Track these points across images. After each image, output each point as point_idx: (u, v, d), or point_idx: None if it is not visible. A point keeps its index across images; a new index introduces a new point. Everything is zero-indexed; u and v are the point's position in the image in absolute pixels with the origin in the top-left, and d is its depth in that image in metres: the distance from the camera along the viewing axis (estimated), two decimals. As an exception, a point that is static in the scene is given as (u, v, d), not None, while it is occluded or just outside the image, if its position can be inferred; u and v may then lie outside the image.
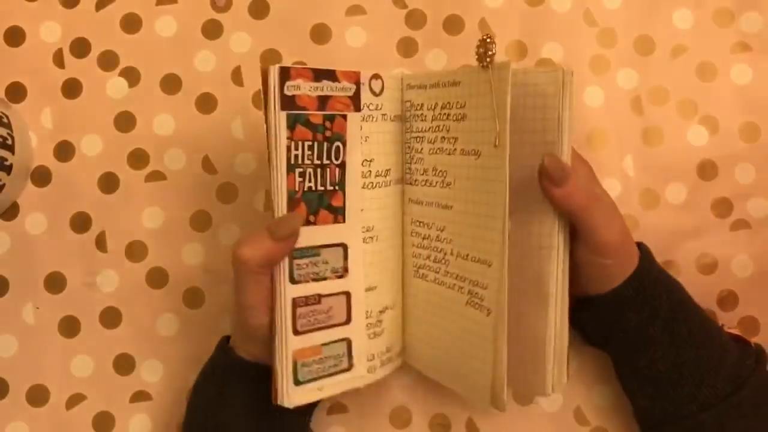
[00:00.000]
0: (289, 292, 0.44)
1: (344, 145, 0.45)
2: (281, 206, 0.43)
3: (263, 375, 0.45)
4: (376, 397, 0.55)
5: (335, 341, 0.46)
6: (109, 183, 0.57)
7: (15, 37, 0.58)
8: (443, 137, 0.47)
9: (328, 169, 0.45)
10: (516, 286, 0.44)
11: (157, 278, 0.56)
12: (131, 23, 0.58)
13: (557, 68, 0.43)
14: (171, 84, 0.57)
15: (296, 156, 0.44)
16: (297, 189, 0.44)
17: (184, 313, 0.56)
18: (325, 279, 0.45)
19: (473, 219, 0.45)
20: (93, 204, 0.57)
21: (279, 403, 0.44)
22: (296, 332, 0.44)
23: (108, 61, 0.57)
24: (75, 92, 0.57)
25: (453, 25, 0.57)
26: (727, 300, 0.55)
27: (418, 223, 0.49)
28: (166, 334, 0.56)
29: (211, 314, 0.56)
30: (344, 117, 0.45)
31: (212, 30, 0.58)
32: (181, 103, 0.57)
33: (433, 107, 0.47)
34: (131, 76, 0.57)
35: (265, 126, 0.43)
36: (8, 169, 0.54)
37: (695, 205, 0.55)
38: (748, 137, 0.55)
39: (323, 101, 0.44)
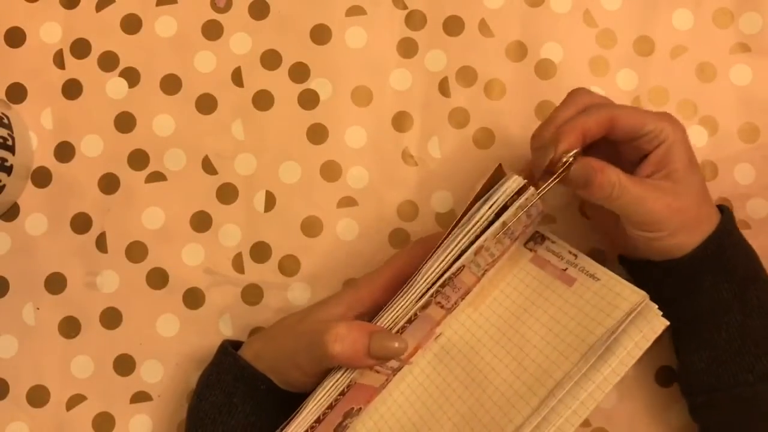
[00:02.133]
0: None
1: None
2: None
3: (273, 385, 0.46)
4: (376, 398, 0.55)
5: None
6: (109, 183, 0.57)
7: (15, 37, 0.58)
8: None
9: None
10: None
11: (158, 279, 0.56)
12: (131, 24, 0.58)
13: (641, 296, 0.44)
14: (171, 84, 0.57)
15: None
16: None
17: (184, 314, 0.56)
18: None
19: None
20: (93, 204, 0.57)
21: None
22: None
23: (108, 61, 0.57)
24: (75, 93, 0.57)
25: (453, 25, 0.57)
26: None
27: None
28: (166, 335, 0.56)
29: (211, 315, 0.56)
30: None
31: (212, 30, 0.58)
32: (181, 103, 0.57)
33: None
34: (131, 76, 0.57)
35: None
36: (9, 170, 0.54)
37: (695, 205, 0.55)
38: (747, 138, 0.55)
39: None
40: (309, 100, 0.57)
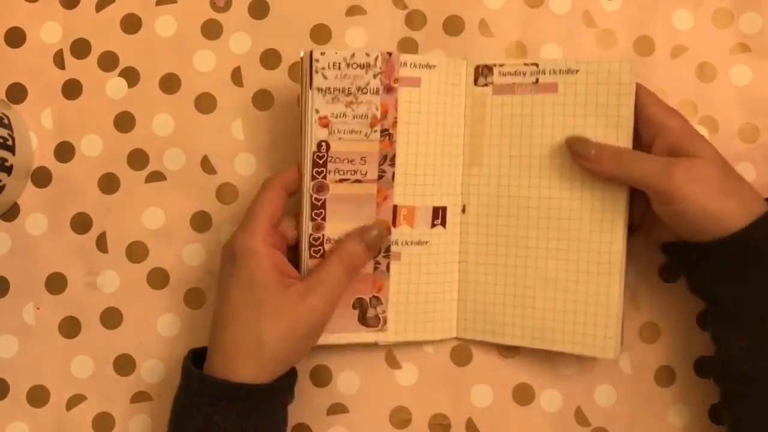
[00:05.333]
0: None
1: None
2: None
3: (252, 393, 0.45)
4: (376, 397, 0.55)
5: None
6: (109, 183, 0.57)
7: (15, 38, 0.58)
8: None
9: None
10: (576, 254, 0.50)
11: (158, 279, 0.56)
12: (131, 23, 0.58)
13: (625, 59, 0.50)
14: (170, 84, 0.57)
15: None
16: None
17: (185, 314, 0.56)
18: None
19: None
20: (93, 204, 0.57)
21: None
22: None
23: (108, 61, 0.57)
24: (75, 93, 0.57)
25: (453, 25, 0.57)
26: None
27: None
28: (166, 335, 0.56)
29: (211, 315, 0.56)
30: None
31: (212, 30, 0.58)
32: (181, 103, 0.57)
33: None
34: (131, 76, 0.57)
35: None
36: (9, 170, 0.54)
37: (695, 205, 0.55)
38: (747, 138, 0.55)
39: None
40: (309, 100, 0.57)
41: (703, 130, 0.55)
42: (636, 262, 0.54)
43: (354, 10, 0.57)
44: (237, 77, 0.57)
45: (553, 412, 0.54)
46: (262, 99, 0.57)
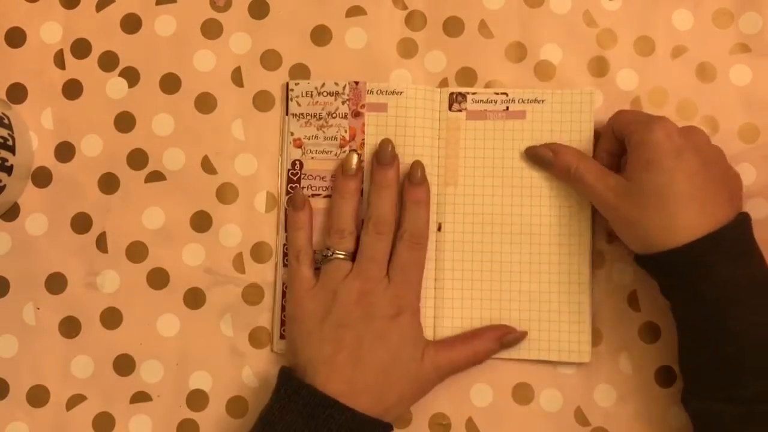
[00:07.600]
0: None
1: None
2: None
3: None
4: (376, 398, 0.55)
5: None
6: (109, 183, 0.57)
7: (15, 38, 0.58)
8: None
9: None
10: (547, 266, 0.53)
11: (158, 279, 0.56)
12: (131, 23, 0.58)
13: (586, 90, 0.54)
14: (170, 84, 0.57)
15: None
16: None
17: (185, 314, 0.56)
18: None
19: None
20: (93, 204, 0.57)
21: None
22: None
23: (108, 61, 0.57)
24: (75, 93, 0.57)
25: (453, 26, 0.57)
26: (727, 300, 0.55)
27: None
28: (166, 335, 0.56)
29: (211, 315, 0.56)
30: None
31: (212, 30, 0.58)
32: (181, 103, 0.57)
33: None
34: (131, 76, 0.57)
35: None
36: (9, 170, 0.54)
37: (695, 205, 0.55)
38: (747, 138, 0.55)
39: None
40: (309, 100, 0.57)
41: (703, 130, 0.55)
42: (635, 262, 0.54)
43: (354, 11, 0.57)
44: (237, 77, 0.57)
45: (553, 411, 0.54)
46: (262, 99, 0.57)
